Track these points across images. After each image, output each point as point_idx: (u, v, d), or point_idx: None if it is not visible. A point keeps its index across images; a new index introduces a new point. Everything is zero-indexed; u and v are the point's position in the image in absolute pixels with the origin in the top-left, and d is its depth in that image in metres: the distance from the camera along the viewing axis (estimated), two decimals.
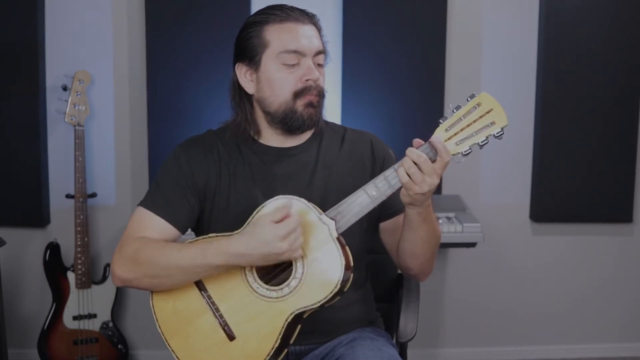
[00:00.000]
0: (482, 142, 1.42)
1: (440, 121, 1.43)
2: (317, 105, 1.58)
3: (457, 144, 1.42)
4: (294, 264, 1.45)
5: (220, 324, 1.48)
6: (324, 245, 1.44)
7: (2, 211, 2.86)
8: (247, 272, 1.48)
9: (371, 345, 1.57)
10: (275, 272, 1.50)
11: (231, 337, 1.48)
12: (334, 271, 1.42)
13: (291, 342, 1.49)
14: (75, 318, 2.79)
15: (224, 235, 1.49)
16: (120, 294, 2.94)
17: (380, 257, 1.79)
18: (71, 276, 2.79)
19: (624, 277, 3.19)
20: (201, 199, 1.61)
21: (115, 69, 2.91)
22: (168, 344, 1.52)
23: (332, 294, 1.42)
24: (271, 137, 1.63)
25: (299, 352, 1.63)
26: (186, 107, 2.87)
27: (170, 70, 2.87)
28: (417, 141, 1.44)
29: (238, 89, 1.63)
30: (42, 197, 2.89)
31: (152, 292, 1.54)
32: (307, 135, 1.65)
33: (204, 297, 1.50)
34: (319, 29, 1.61)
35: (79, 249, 2.76)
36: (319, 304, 1.43)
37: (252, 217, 1.47)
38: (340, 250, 1.43)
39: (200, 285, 1.51)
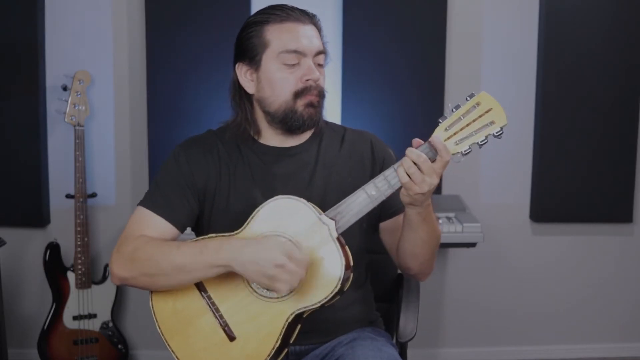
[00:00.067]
0: (481, 141, 1.42)
1: (440, 121, 1.43)
2: (317, 105, 1.58)
3: (457, 144, 1.42)
4: None
5: (221, 325, 1.48)
6: (323, 245, 1.44)
7: (2, 211, 2.86)
8: None
9: (371, 345, 1.57)
10: None
11: (231, 338, 1.48)
12: (334, 271, 1.42)
13: (291, 342, 1.49)
14: (75, 318, 2.79)
15: (223, 236, 1.49)
16: (120, 294, 2.94)
17: (380, 257, 1.79)
18: (71, 276, 2.79)
19: (624, 277, 3.19)
20: (201, 199, 1.61)
21: (115, 69, 2.91)
22: (168, 345, 1.52)
23: (332, 294, 1.41)
24: (271, 137, 1.63)
25: (299, 352, 1.63)
26: (186, 107, 2.87)
27: (170, 70, 2.87)
28: (416, 141, 1.44)
29: (238, 88, 1.63)
30: (42, 197, 2.89)
31: (151, 292, 1.54)
32: (307, 135, 1.65)
33: (204, 298, 1.50)
34: (319, 29, 1.61)
35: (79, 249, 2.76)
36: (319, 304, 1.43)
37: (252, 217, 1.47)
38: (340, 250, 1.43)
39: (200, 285, 1.50)
